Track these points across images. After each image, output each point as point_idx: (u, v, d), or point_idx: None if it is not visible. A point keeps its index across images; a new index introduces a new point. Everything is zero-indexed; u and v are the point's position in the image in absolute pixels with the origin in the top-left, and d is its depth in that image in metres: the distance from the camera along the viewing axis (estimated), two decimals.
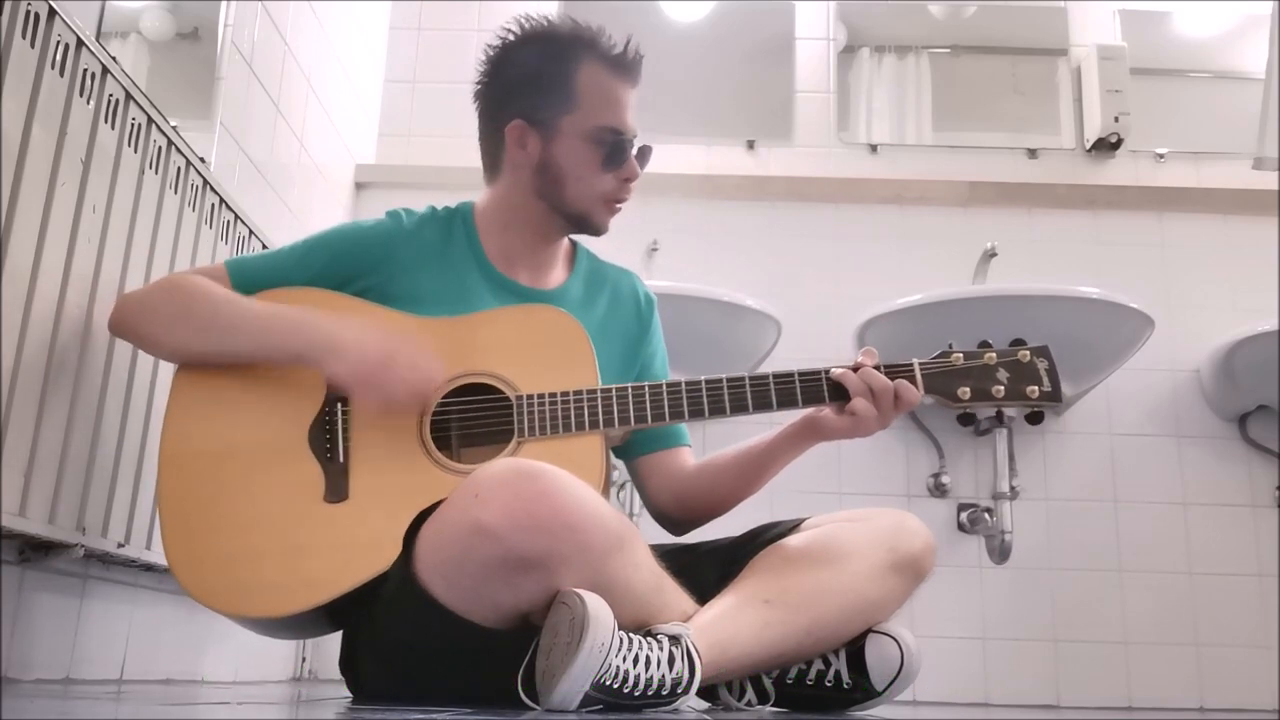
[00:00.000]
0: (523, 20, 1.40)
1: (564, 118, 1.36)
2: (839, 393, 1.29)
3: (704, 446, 1.48)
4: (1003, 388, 1.30)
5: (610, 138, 1.36)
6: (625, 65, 1.38)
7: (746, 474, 1.41)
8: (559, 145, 1.37)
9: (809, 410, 1.34)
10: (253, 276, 1.33)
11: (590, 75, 1.37)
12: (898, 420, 2.61)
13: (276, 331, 1.25)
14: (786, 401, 1.28)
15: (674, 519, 1.47)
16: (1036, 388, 1.30)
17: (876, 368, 1.29)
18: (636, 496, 1.77)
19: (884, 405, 1.28)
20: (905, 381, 1.29)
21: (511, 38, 1.40)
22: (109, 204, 1.36)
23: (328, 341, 1.23)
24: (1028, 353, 1.31)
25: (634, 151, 1.39)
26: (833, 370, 1.29)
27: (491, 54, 1.42)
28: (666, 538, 1.47)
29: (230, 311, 1.27)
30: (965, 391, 1.30)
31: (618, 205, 1.41)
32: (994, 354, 1.31)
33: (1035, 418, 1.22)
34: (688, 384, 1.28)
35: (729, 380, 1.28)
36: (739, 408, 1.28)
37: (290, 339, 1.24)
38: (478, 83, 1.43)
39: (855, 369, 1.29)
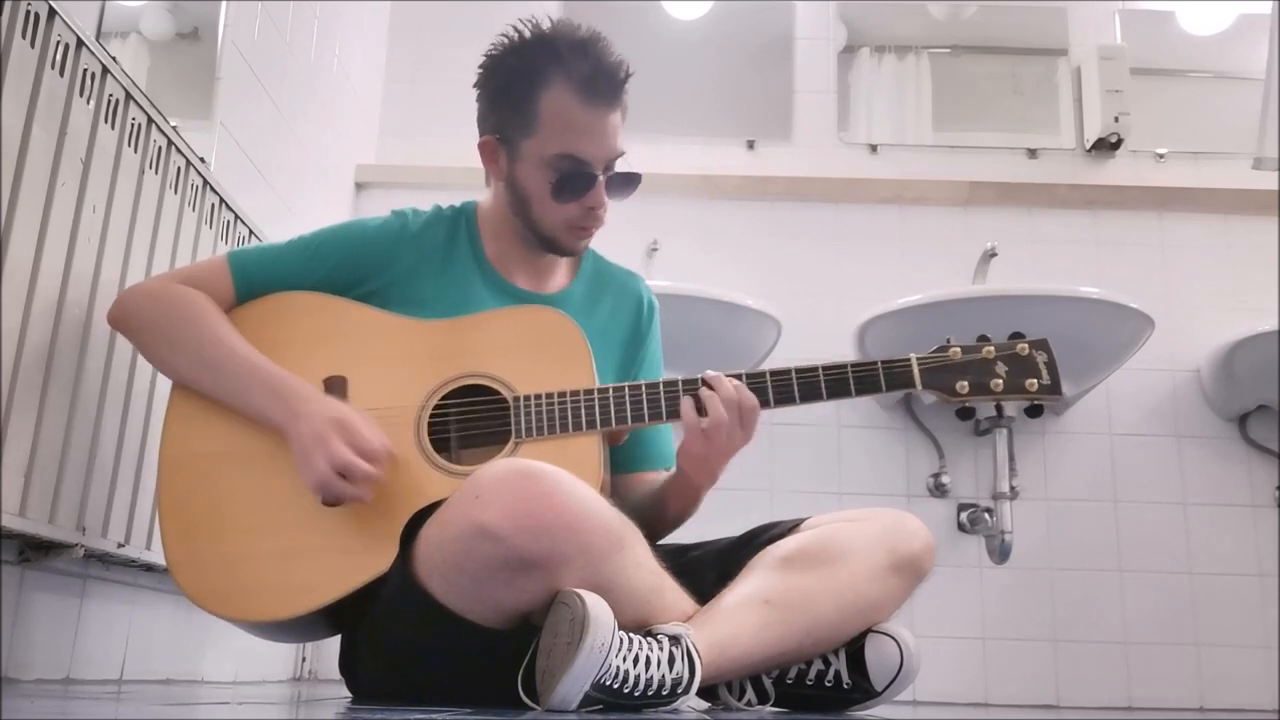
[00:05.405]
0: (516, 27, 1.35)
1: (524, 141, 1.33)
2: (843, 389, 1.27)
3: None
4: (1001, 381, 1.28)
5: (565, 166, 1.31)
6: (597, 90, 1.30)
7: (679, 490, 1.36)
8: (520, 168, 1.34)
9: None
10: (257, 275, 1.33)
11: (554, 100, 1.30)
12: (897, 420, 2.69)
13: (255, 394, 1.23)
14: (783, 399, 1.28)
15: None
16: (1036, 380, 1.28)
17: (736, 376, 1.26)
18: None
19: (730, 420, 1.24)
20: (745, 388, 1.25)
21: (505, 45, 1.36)
22: (109, 204, 1.36)
23: (291, 413, 1.21)
24: (1026, 346, 1.29)
25: (606, 176, 1.33)
26: (833, 367, 1.28)
27: (485, 60, 1.38)
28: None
29: (220, 358, 1.25)
30: (964, 386, 1.28)
31: (585, 230, 1.37)
32: (992, 348, 1.30)
33: (1035, 410, 1.21)
34: (685, 382, 1.28)
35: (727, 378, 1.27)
36: None
37: (261, 405, 1.23)
38: (474, 85, 1.41)
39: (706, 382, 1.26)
